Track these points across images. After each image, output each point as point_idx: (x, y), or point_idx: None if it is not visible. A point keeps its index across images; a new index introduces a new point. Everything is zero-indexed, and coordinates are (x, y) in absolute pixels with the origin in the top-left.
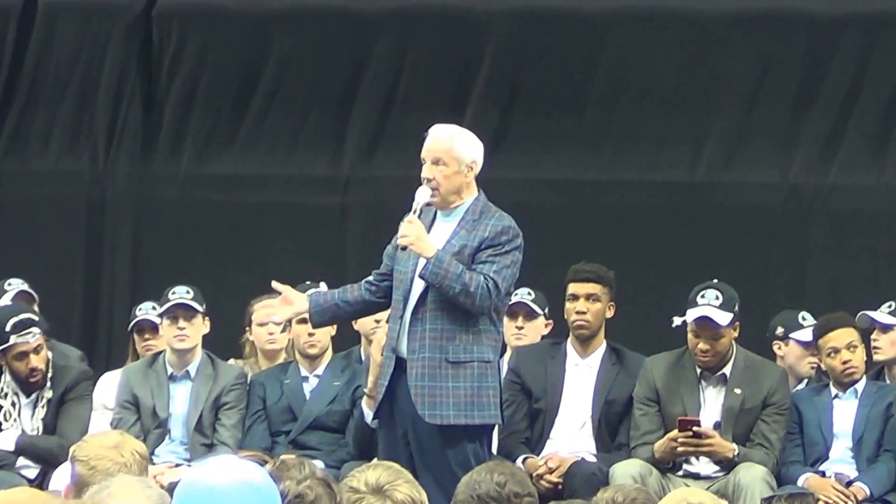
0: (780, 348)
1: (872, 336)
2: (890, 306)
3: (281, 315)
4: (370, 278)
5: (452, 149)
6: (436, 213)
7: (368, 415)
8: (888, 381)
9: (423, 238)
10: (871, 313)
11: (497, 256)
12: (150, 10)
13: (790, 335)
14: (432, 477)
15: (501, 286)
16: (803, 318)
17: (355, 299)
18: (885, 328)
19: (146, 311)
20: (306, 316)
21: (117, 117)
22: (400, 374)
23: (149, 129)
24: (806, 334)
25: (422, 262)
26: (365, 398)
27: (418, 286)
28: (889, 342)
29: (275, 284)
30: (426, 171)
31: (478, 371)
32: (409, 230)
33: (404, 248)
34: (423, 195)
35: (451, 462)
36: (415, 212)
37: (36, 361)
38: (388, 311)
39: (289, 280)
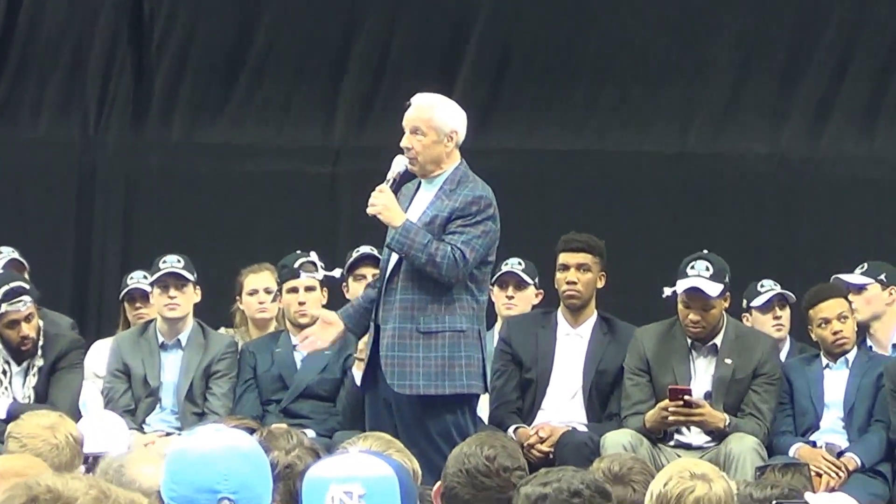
0: (747, 320)
1: (850, 297)
2: (863, 268)
3: (325, 340)
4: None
5: (432, 118)
6: (420, 181)
7: (359, 378)
8: (870, 345)
9: (392, 208)
10: (843, 276)
11: (467, 227)
12: None
13: (751, 305)
14: (414, 446)
15: (469, 256)
16: (761, 286)
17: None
18: (859, 288)
19: (137, 279)
20: (296, 285)
21: (108, 86)
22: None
23: (139, 97)
24: (762, 300)
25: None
26: (356, 363)
27: (393, 257)
28: (864, 302)
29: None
30: (404, 141)
31: (450, 341)
32: (378, 199)
33: (373, 217)
34: (398, 164)
35: (432, 432)
36: (387, 181)
37: (27, 329)
38: None
39: (280, 249)
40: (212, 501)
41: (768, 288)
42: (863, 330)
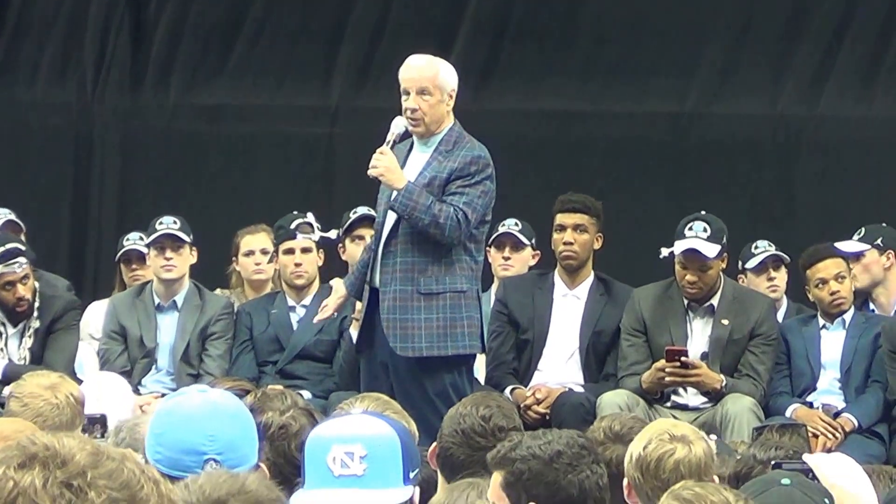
0: (743, 281)
1: (849, 265)
2: (860, 233)
3: (332, 307)
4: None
5: (437, 77)
6: (412, 142)
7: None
8: (873, 308)
9: (394, 169)
10: (838, 244)
11: (467, 187)
12: None
13: (745, 266)
14: (411, 407)
15: (471, 217)
16: (755, 248)
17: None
18: (856, 256)
19: (133, 241)
20: (293, 245)
21: (106, 48)
22: (376, 305)
23: (137, 59)
24: (755, 261)
25: (394, 194)
26: (353, 324)
27: (390, 218)
28: (862, 269)
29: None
30: (411, 102)
31: (451, 302)
32: (380, 161)
33: (374, 179)
34: (397, 125)
35: (430, 392)
36: (388, 143)
37: (23, 291)
38: None
39: (276, 210)
40: (198, 463)
41: (762, 249)
42: (862, 295)
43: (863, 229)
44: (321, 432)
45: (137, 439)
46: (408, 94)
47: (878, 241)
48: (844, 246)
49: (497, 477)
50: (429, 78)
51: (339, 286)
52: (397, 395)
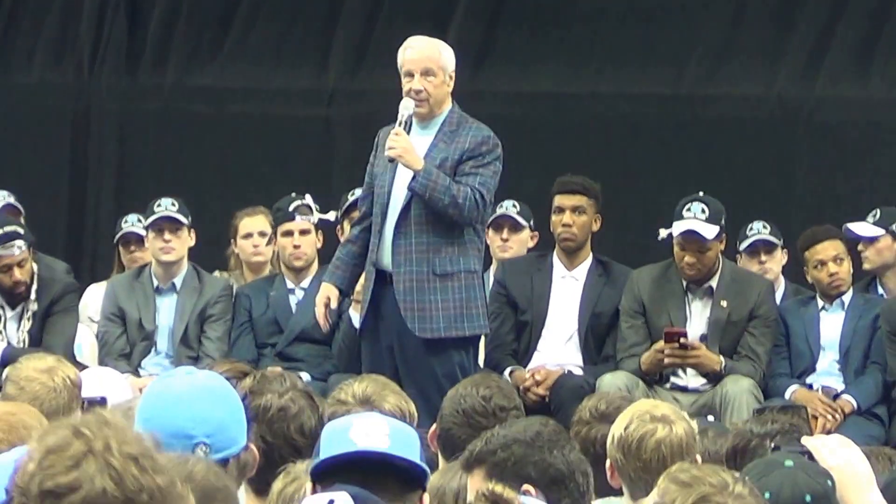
0: (740, 262)
1: (859, 247)
2: (875, 215)
3: (324, 314)
4: (359, 221)
5: (440, 58)
6: (411, 125)
7: (356, 319)
8: (880, 290)
9: (411, 150)
10: (853, 227)
11: (480, 168)
12: None
13: (738, 248)
14: (418, 389)
15: (487, 197)
16: (749, 230)
17: (360, 251)
18: (871, 240)
19: (132, 223)
20: (291, 227)
21: (102, 29)
22: (382, 287)
23: (133, 41)
24: (746, 243)
25: (400, 174)
26: (353, 304)
27: (397, 199)
28: (875, 252)
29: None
30: (416, 83)
31: (465, 282)
32: (398, 142)
33: (392, 161)
34: (406, 107)
35: (438, 374)
36: (400, 124)
37: (20, 274)
38: None
39: (275, 192)
40: (187, 447)
41: (755, 231)
42: (868, 275)
43: (878, 211)
44: (342, 420)
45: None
46: (411, 75)
47: (894, 227)
48: (859, 228)
49: (477, 476)
50: (433, 59)
51: (324, 290)
52: (403, 378)
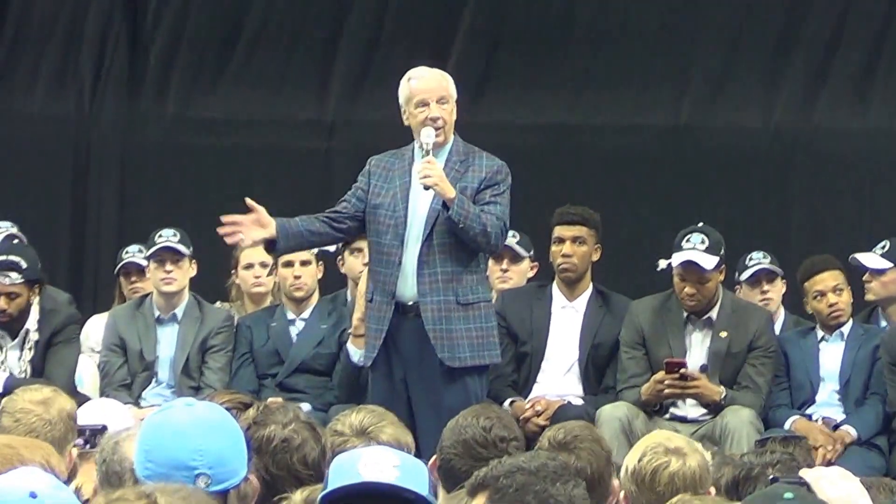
0: (739, 293)
1: (864, 277)
2: (884, 247)
3: (250, 237)
4: (332, 213)
5: (450, 86)
6: (411, 157)
7: (354, 353)
8: (883, 322)
9: (445, 178)
10: (860, 257)
11: (498, 196)
12: None
13: (739, 278)
14: (435, 419)
15: (507, 225)
16: (750, 259)
17: (318, 230)
18: (877, 272)
19: (133, 253)
20: (293, 258)
21: (103, 59)
22: (401, 318)
23: (134, 71)
24: (748, 273)
25: (417, 205)
26: (351, 339)
27: (417, 229)
28: (881, 284)
29: (249, 202)
30: (434, 111)
31: (484, 311)
32: (433, 170)
33: (427, 189)
34: (429, 136)
35: (454, 403)
36: (428, 153)
37: (5, 304)
38: (371, 255)
39: None
40: (188, 478)
41: (756, 261)
42: (870, 306)
43: (887, 243)
44: (351, 453)
45: (115, 459)
46: (426, 104)
47: None
48: (866, 259)
49: (479, 500)
50: (445, 87)
51: (269, 222)
52: (418, 409)
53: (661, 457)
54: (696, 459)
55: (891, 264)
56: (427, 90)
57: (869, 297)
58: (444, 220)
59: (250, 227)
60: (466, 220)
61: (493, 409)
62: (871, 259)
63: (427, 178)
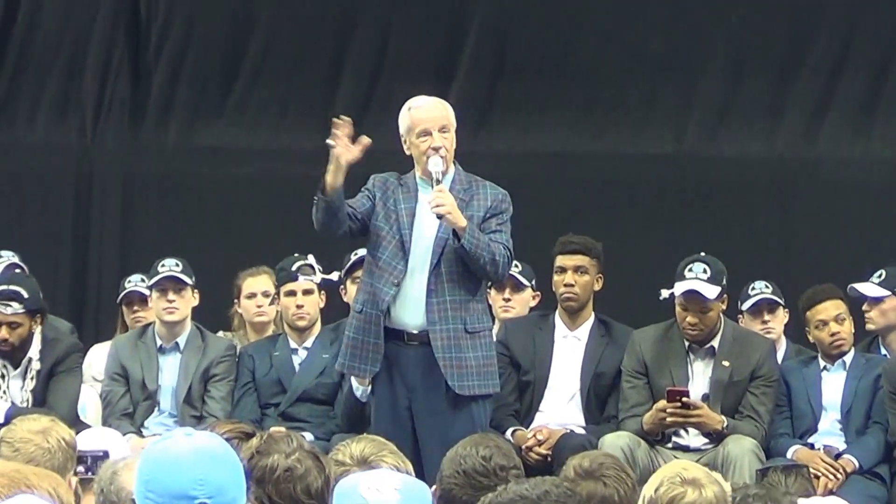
0: (741, 322)
1: (864, 307)
2: (880, 276)
3: (345, 157)
4: (351, 207)
5: (450, 116)
6: (413, 186)
7: (357, 388)
8: (883, 350)
9: (456, 207)
10: (859, 287)
11: (502, 225)
12: None
13: (741, 308)
14: (441, 447)
15: (512, 254)
16: (752, 289)
17: (344, 211)
18: (875, 301)
19: (135, 283)
20: (294, 288)
21: (105, 89)
22: (406, 347)
23: (136, 101)
24: (749, 303)
25: (422, 231)
26: (355, 380)
27: (423, 257)
28: (879, 313)
29: (343, 120)
30: (437, 140)
31: (487, 339)
32: (446, 199)
33: (440, 217)
34: (438, 165)
35: (461, 432)
36: (438, 181)
37: (6, 334)
38: (365, 267)
39: (278, 252)
40: None
41: (758, 291)
42: (871, 335)
43: (883, 272)
44: (353, 479)
45: (112, 490)
46: (428, 133)
47: None
48: (864, 288)
49: None
50: (446, 116)
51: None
52: (423, 438)
53: (678, 487)
54: (712, 490)
55: (888, 292)
56: (429, 119)
57: (869, 326)
58: (452, 249)
59: (348, 147)
60: (478, 248)
61: (492, 437)
62: (868, 288)
63: (440, 206)
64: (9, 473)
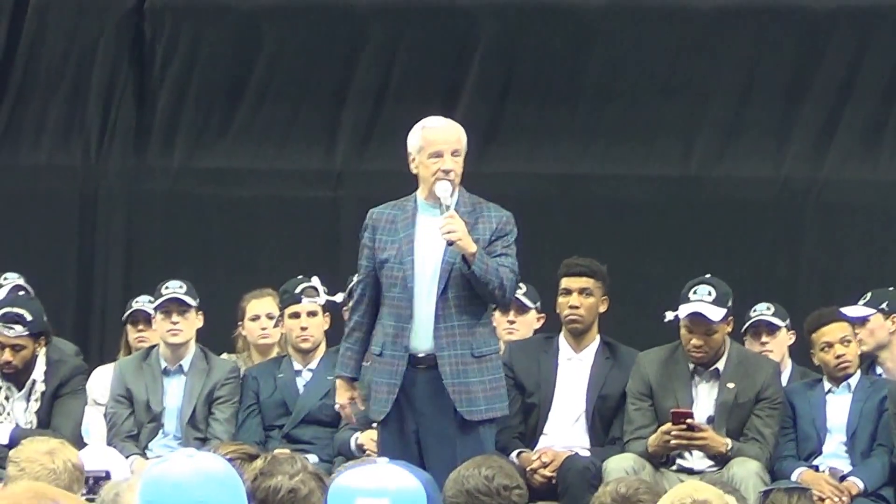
0: (746, 344)
1: (855, 330)
2: (866, 297)
3: (349, 410)
4: (363, 311)
5: (463, 140)
6: (414, 209)
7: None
8: (880, 371)
9: (466, 233)
10: (846, 310)
11: (507, 248)
12: (143, 4)
13: (742, 329)
14: (447, 471)
15: (518, 276)
16: (753, 311)
17: (367, 337)
18: (862, 321)
19: (143, 303)
20: (298, 310)
21: (109, 111)
22: (413, 371)
23: (141, 123)
24: (748, 324)
25: (426, 257)
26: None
27: (429, 282)
28: (868, 333)
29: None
30: (447, 163)
31: (495, 363)
32: (456, 226)
33: (451, 244)
34: (446, 190)
35: (468, 455)
36: (447, 207)
37: (10, 356)
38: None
39: (282, 274)
40: None
41: (758, 313)
42: (868, 358)
43: (869, 294)
44: (347, 482)
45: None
46: (440, 155)
47: (884, 305)
48: (850, 311)
49: None
50: (460, 140)
51: (342, 388)
52: (431, 463)
53: None
54: None
55: (872, 310)
56: (443, 141)
57: (862, 348)
58: (459, 274)
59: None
60: (487, 274)
61: (494, 458)
62: (853, 310)
63: (451, 233)
64: (35, 488)
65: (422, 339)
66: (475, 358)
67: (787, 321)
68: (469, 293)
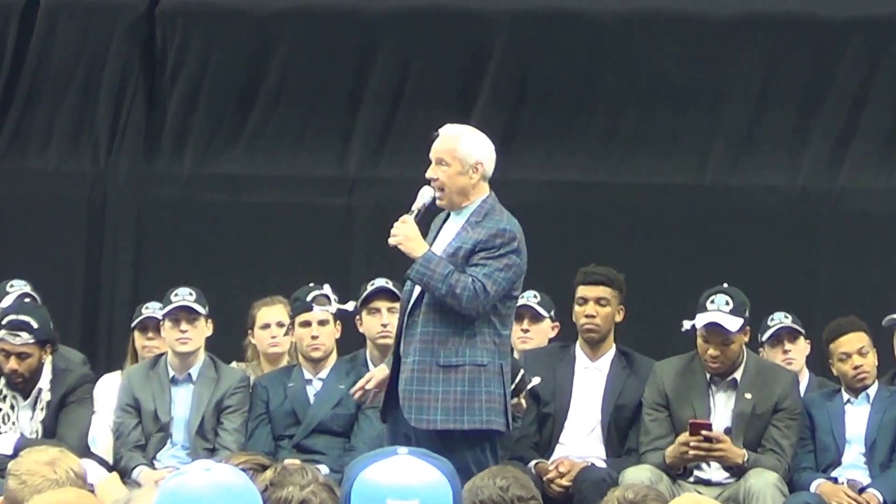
0: (763, 354)
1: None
2: None
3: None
4: None
5: (456, 149)
6: (449, 212)
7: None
8: None
9: (413, 238)
10: None
11: (489, 259)
12: (154, 9)
13: (761, 339)
14: None
15: (490, 289)
16: (771, 320)
17: None
18: None
19: (153, 309)
20: (309, 318)
21: (119, 116)
22: (398, 375)
23: (151, 128)
24: (769, 333)
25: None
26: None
27: (416, 289)
28: None
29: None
30: (430, 171)
31: (469, 375)
32: (400, 230)
33: (394, 248)
34: (425, 195)
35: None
36: (412, 212)
37: (16, 364)
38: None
39: (293, 282)
40: None
41: (777, 321)
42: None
43: None
44: (375, 478)
45: None
46: (432, 162)
47: None
48: None
49: None
50: (447, 149)
51: (379, 371)
52: None
53: None
54: None
55: None
56: (433, 150)
57: None
58: None
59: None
60: (431, 279)
61: (510, 469)
62: None
63: (393, 236)
64: (73, 500)
65: (403, 345)
66: (441, 367)
67: (804, 330)
68: (443, 303)
